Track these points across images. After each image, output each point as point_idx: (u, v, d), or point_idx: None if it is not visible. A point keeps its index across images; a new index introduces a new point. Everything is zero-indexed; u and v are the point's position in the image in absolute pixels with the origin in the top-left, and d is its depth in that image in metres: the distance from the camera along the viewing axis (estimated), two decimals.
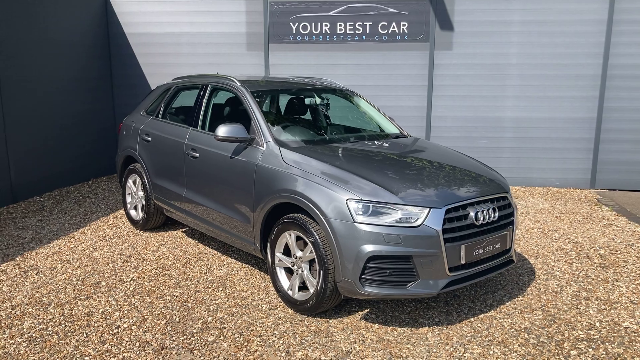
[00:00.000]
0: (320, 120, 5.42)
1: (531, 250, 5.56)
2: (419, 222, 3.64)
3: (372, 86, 8.62)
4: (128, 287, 4.50)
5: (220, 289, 4.50)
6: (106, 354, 3.47)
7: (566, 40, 8.17)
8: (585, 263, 5.20)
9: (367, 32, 8.50)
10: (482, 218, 3.85)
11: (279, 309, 4.16)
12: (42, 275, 4.70)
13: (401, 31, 8.46)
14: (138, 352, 3.50)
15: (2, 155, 6.59)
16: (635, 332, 3.86)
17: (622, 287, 4.65)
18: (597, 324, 3.98)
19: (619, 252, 5.51)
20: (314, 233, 3.80)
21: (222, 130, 4.41)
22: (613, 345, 3.68)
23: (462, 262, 3.76)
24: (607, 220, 6.65)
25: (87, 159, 8.31)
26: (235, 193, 4.56)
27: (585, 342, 3.71)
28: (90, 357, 3.44)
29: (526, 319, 4.05)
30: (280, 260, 4.18)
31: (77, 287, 4.47)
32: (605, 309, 4.24)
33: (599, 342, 3.72)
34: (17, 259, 5.07)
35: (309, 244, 3.86)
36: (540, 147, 8.53)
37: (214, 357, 3.46)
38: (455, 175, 4.23)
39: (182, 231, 5.98)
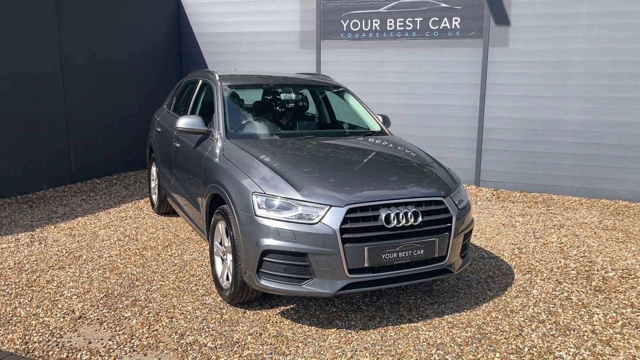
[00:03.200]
0: (293, 116, 5.41)
1: (529, 265, 5.06)
2: (316, 219, 3.56)
3: (422, 84, 8.34)
4: (100, 262, 4.95)
5: (175, 272, 4.76)
6: (32, 317, 3.90)
7: None
8: (578, 284, 4.62)
9: (418, 28, 8.23)
10: (394, 221, 3.64)
11: (211, 296, 4.31)
12: (43, 245, 5.34)
13: (453, 27, 8.06)
14: (58, 318, 3.88)
15: (63, 140, 7.53)
16: None
17: (598, 314, 4.07)
18: (526, 349, 3.56)
19: (632, 276, 4.79)
20: (231, 224, 3.89)
21: (181, 122, 4.67)
22: None
23: (366, 264, 3.59)
24: None
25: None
26: (193, 183, 4.79)
27: None
28: (19, 317, 3.90)
29: (451, 334, 3.75)
30: (217, 249, 4.32)
31: (60, 258, 5.02)
32: (553, 334, 3.76)
33: None
34: (37, 229, 5.80)
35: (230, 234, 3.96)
36: (608, 154, 7.60)
37: (117, 331, 3.72)
38: (385, 176, 4.04)
39: None
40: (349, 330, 3.78)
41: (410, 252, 3.71)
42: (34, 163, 7.17)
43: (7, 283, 4.46)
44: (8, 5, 6.67)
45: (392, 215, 3.65)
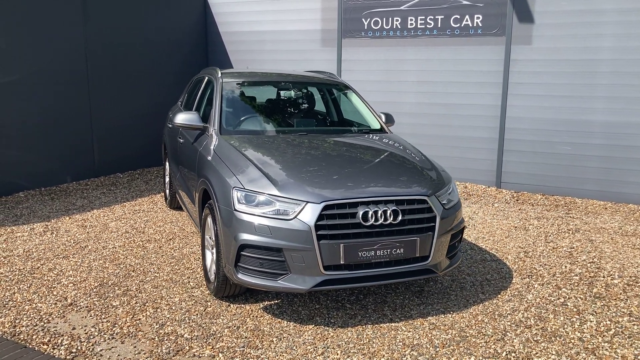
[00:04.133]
0: (291, 113, 5.42)
1: (531, 269, 4.91)
2: (293, 215, 3.57)
3: (442, 82, 8.20)
4: (103, 253, 5.12)
5: (172, 264, 4.87)
6: (27, 302, 4.08)
7: None
8: (577, 290, 4.45)
9: (439, 26, 8.10)
10: (372, 219, 3.61)
11: (200, 289, 4.39)
12: (54, 235, 5.57)
13: (475, 24, 7.89)
14: (50, 305, 4.04)
15: (87, 135, 7.82)
16: None
17: (591, 322, 3.91)
18: (504, 354, 3.46)
19: (639, 284, 4.58)
20: (215, 218, 3.96)
21: (178, 118, 4.77)
22: None
23: (342, 262, 3.58)
24: None
25: None
26: (191, 177, 4.89)
27: None
28: (14, 302, 4.08)
29: (430, 335, 3.69)
30: (207, 243, 4.39)
31: (67, 248, 5.22)
32: (537, 340, 3.64)
33: None
34: (52, 220, 6.05)
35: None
36: (637, 157, 7.26)
37: (102, 319, 3.85)
38: (369, 174, 4.01)
39: None
40: (327, 327, 3.77)
41: (389, 250, 3.66)
42: (59, 157, 7.47)
43: (12, 269, 4.68)
44: (36, 5, 6.97)
45: (370, 213, 3.61)
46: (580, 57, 7.36)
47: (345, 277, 3.63)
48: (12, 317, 3.83)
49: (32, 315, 3.87)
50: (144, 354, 3.41)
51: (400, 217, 3.69)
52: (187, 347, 3.48)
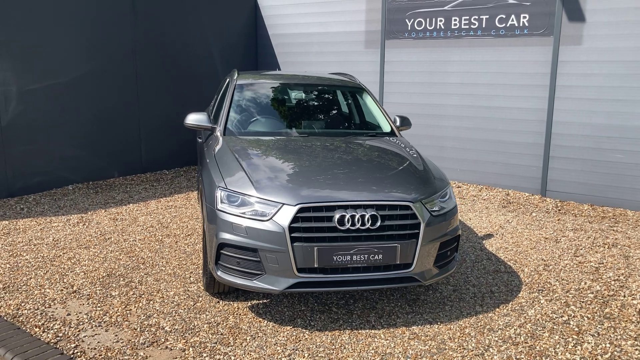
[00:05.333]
0: (299, 116, 5.40)
1: (545, 283, 4.64)
2: (269, 216, 3.61)
3: (486, 85, 7.91)
4: (122, 245, 5.40)
5: (181, 259, 5.05)
6: (39, 288, 4.39)
7: None
8: (587, 309, 4.15)
9: (483, 26, 7.82)
10: (349, 223, 3.57)
11: (198, 284, 4.52)
12: (85, 226, 5.94)
13: (521, 24, 7.54)
14: (57, 291, 4.33)
15: (135, 133, 8.27)
16: None
17: (589, 343, 3.65)
18: None
19: None
20: (203, 216, 4.07)
21: (189, 118, 4.95)
22: None
23: (316, 265, 3.57)
24: None
25: None
26: (200, 176, 5.04)
27: None
28: (27, 286, 4.41)
29: (406, 345, 3.59)
30: None
31: (91, 239, 5.55)
32: (519, 359, 3.45)
33: None
34: (89, 212, 6.46)
35: None
36: None
37: (96, 307, 4.07)
38: (355, 177, 3.95)
39: None
40: (304, 330, 3.77)
41: (366, 256, 3.61)
42: (108, 153, 7.94)
43: (36, 256, 5.05)
44: (87, 8, 7.45)
45: (347, 217, 3.57)
46: (634, 58, 6.84)
47: (319, 280, 3.61)
48: (20, 300, 4.14)
49: (37, 300, 4.16)
50: (122, 342, 3.57)
51: (379, 223, 3.62)
52: (163, 339, 3.61)
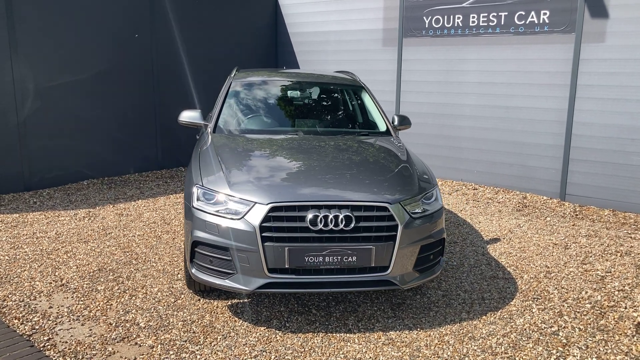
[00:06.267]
0: (291, 114, 5.31)
1: (542, 291, 4.43)
2: (241, 215, 3.56)
3: (504, 84, 7.65)
4: (120, 240, 5.46)
5: (174, 255, 5.07)
6: (30, 280, 4.48)
7: None
8: (581, 320, 3.94)
9: (502, 23, 7.56)
10: (321, 223, 3.48)
11: (184, 281, 4.52)
12: (89, 221, 6.05)
13: (541, 21, 7.25)
14: (46, 284, 4.40)
15: (152, 130, 8.39)
16: None
17: (574, 356, 3.45)
18: None
19: None
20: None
21: (183, 115, 4.96)
22: None
23: (287, 265, 3.50)
24: None
25: None
26: None
27: None
28: (19, 278, 4.51)
29: (378, 352, 3.48)
30: None
31: (92, 234, 5.64)
32: None
33: None
34: (97, 207, 6.58)
35: None
36: None
37: (79, 301, 4.12)
38: (332, 177, 3.86)
39: None
40: (278, 331, 3.71)
41: (339, 257, 3.51)
42: (124, 149, 8.08)
43: (35, 249, 5.16)
44: (107, 11, 7.60)
45: (320, 217, 3.49)
46: None
47: (290, 281, 3.54)
48: (8, 292, 4.23)
49: (25, 292, 4.24)
50: (94, 337, 3.59)
51: (353, 224, 3.51)
52: (135, 335, 3.61)
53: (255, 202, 3.54)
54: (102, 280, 4.50)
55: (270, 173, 3.87)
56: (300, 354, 3.43)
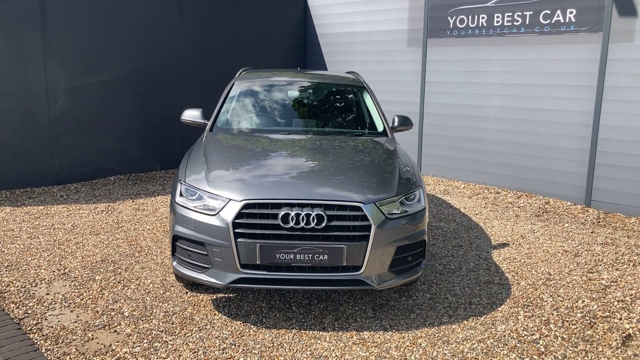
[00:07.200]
0: (287, 114, 5.35)
1: (536, 298, 4.30)
2: (216, 211, 3.66)
3: (529, 85, 7.43)
4: (129, 234, 5.68)
5: None
6: (36, 268, 4.75)
7: None
8: (567, 329, 3.80)
9: (527, 23, 7.35)
10: (292, 221, 3.53)
11: None
12: (106, 215, 6.32)
13: (567, 20, 7.01)
14: (50, 272, 4.65)
15: (178, 127, 8.66)
16: None
17: None
18: None
19: None
20: None
21: (185, 114, 5.12)
22: None
23: (258, 261, 3.57)
24: None
25: None
26: None
27: None
28: (27, 266, 4.78)
29: (347, 351, 3.49)
30: None
31: (105, 227, 5.90)
32: None
33: None
34: (117, 202, 6.86)
35: None
36: None
37: (74, 289, 4.33)
38: (309, 176, 3.89)
39: None
40: (252, 326, 3.78)
41: (310, 256, 3.54)
42: (151, 147, 8.38)
43: (50, 240, 5.45)
44: (133, 13, 7.92)
45: (292, 215, 3.53)
46: None
47: (262, 277, 3.60)
48: (13, 278, 4.50)
49: (29, 279, 4.50)
50: (79, 323, 3.78)
51: (325, 223, 3.54)
52: (117, 324, 3.77)
53: (230, 199, 3.62)
54: (102, 270, 4.70)
55: (249, 171, 3.95)
56: (267, 349, 3.48)
